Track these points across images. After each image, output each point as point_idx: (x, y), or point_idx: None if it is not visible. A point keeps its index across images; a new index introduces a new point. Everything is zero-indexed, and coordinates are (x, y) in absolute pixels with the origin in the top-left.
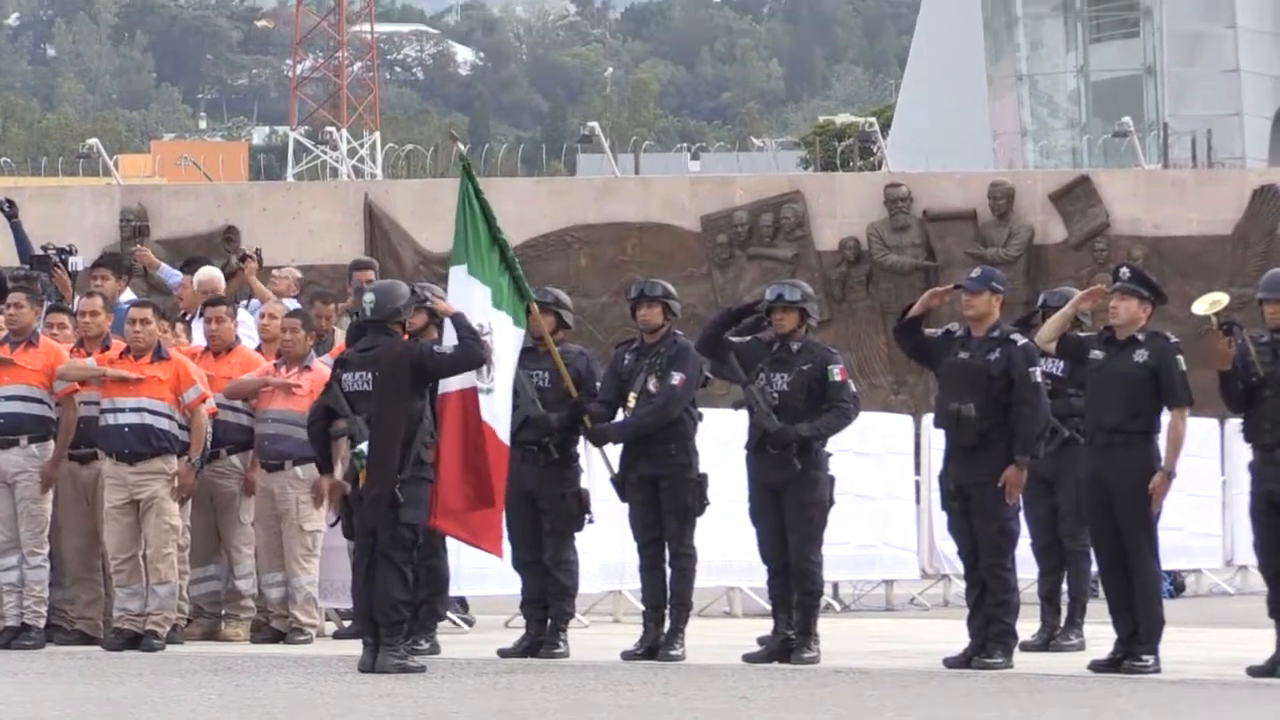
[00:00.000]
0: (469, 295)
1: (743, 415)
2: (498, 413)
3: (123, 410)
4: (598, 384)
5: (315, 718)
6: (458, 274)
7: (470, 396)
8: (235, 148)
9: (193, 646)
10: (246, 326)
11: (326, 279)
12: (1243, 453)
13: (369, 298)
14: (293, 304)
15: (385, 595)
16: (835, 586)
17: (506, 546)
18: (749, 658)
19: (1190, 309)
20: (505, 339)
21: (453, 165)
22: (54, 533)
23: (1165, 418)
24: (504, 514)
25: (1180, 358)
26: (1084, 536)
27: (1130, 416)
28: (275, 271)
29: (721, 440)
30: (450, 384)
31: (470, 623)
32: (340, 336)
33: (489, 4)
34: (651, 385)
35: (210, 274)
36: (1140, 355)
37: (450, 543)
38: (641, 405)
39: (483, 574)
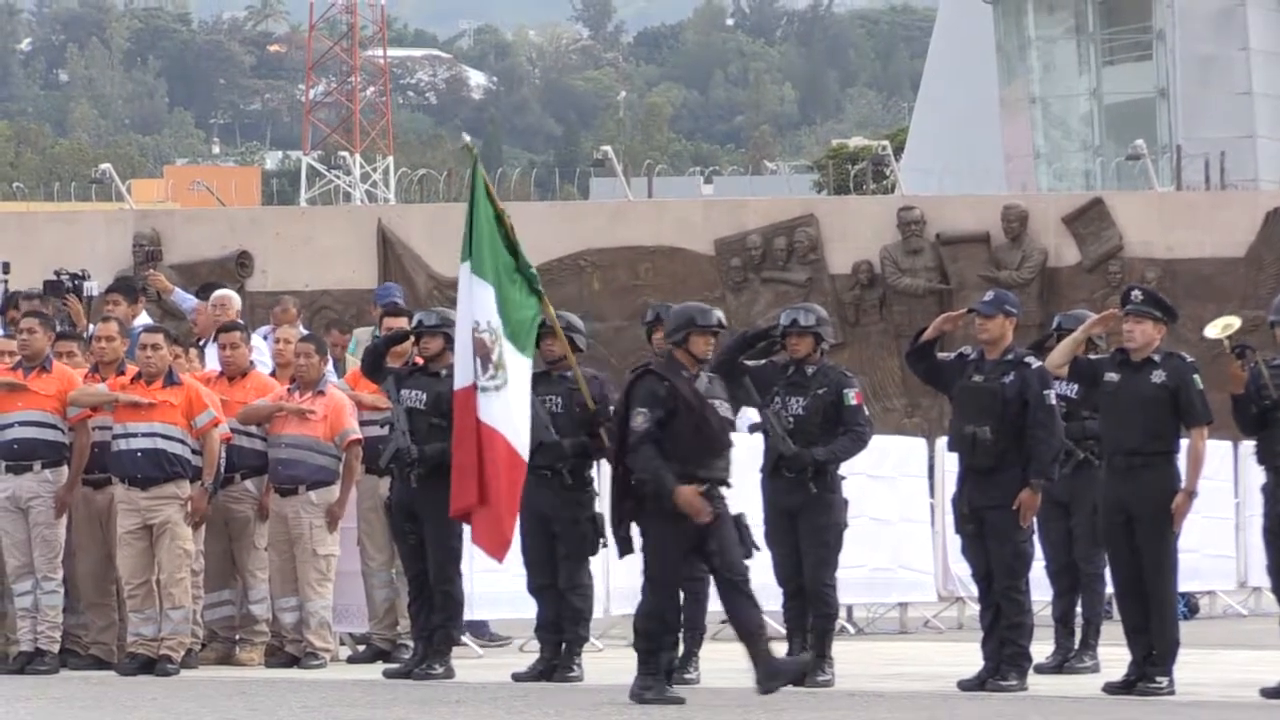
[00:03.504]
0: (474, 293)
1: (756, 439)
2: (503, 416)
3: (135, 435)
4: (611, 408)
5: None
6: (464, 270)
7: (467, 394)
8: (248, 173)
9: (207, 671)
10: (260, 352)
11: (340, 304)
12: (1256, 475)
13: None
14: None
15: None
16: (850, 609)
17: (515, 559)
18: None
19: (1203, 332)
20: (515, 362)
21: (464, 175)
22: (68, 558)
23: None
24: (514, 524)
25: (1197, 376)
26: (1099, 559)
27: (1150, 438)
28: (276, 307)
29: (735, 464)
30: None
31: (504, 640)
32: (353, 362)
33: (501, 28)
34: None
35: (226, 293)
36: (1158, 376)
37: (464, 567)
38: None
39: (496, 598)
